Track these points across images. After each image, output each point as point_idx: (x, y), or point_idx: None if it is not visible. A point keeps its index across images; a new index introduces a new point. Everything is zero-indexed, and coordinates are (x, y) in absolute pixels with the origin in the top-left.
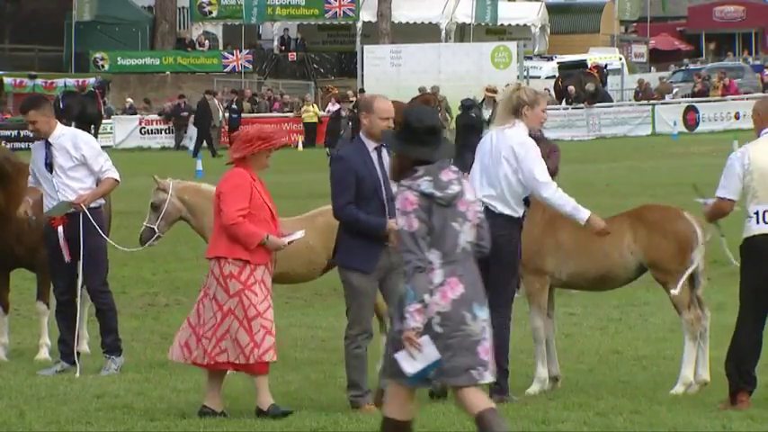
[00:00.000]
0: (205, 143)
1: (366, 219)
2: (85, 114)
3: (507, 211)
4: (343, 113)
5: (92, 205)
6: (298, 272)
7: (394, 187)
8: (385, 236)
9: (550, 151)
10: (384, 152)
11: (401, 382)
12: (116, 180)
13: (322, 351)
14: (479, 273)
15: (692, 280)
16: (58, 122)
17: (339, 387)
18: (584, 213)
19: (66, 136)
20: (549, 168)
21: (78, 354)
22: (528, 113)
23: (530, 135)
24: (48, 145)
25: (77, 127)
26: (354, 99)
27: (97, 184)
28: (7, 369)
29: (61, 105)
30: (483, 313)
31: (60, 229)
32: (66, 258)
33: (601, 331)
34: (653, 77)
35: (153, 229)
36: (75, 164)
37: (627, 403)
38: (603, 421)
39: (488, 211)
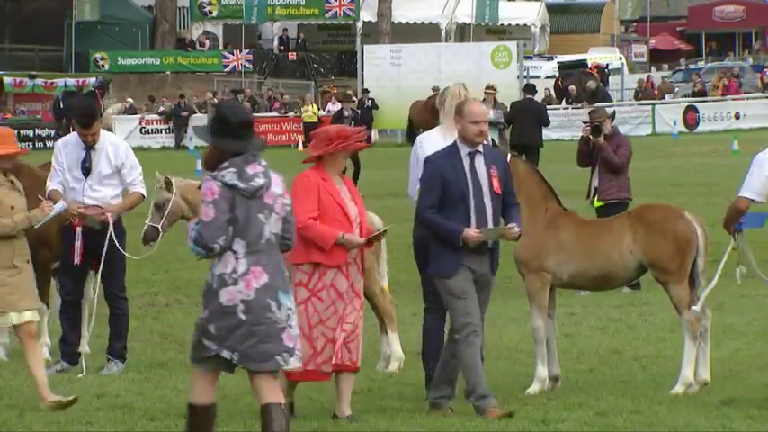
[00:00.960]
0: None
1: (442, 224)
2: None
3: None
4: (346, 113)
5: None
6: None
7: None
8: (460, 244)
9: (618, 146)
10: (479, 158)
11: (203, 366)
12: (143, 196)
13: None
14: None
15: (692, 280)
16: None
17: None
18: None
19: (110, 143)
20: (614, 163)
21: (79, 354)
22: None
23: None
24: (88, 148)
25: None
26: (356, 99)
27: (123, 196)
28: (7, 369)
29: (61, 105)
30: (288, 301)
31: (79, 230)
32: (77, 260)
33: (601, 331)
34: (653, 77)
35: (157, 228)
36: (112, 171)
37: (627, 403)
38: (603, 421)
39: None
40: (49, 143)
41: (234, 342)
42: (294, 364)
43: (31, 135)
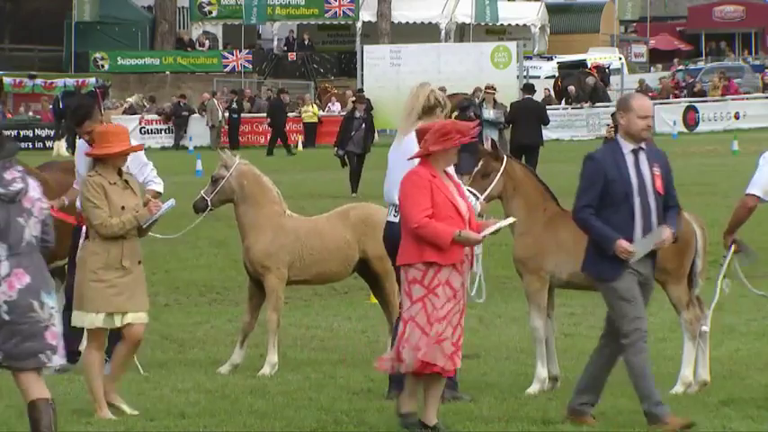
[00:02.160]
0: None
1: (598, 228)
2: None
3: None
4: (358, 114)
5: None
6: (334, 270)
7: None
8: (611, 253)
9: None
10: (642, 155)
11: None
12: (158, 193)
13: (322, 351)
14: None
15: (691, 280)
16: None
17: (339, 387)
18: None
19: None
20: None
21: (80, 353)
22: (440, 115)
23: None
24: None
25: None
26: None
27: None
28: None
29: (61, 105)
30: (51, 301)
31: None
32: None
33: (600, 331)
34: (653, 77)
35: (206, 200)
36: None
37: (627, 403)
38: (603, 421)
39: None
40: (48, 143)
41: None
42: (57, 361)
43: (31, 135)
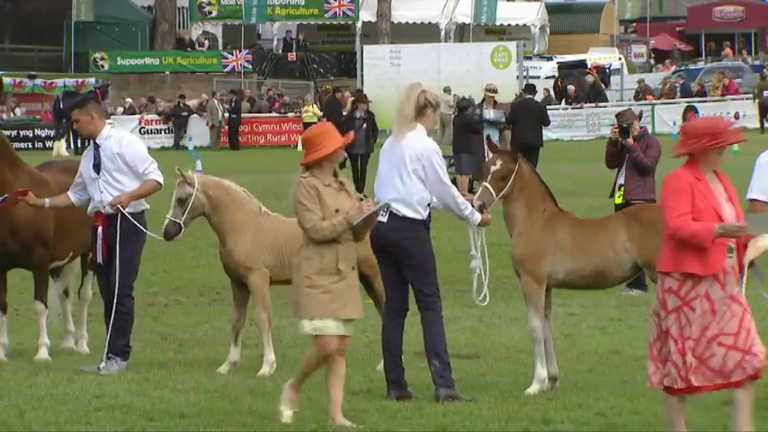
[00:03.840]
0: None
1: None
2: None
3: (411, 214)
4: (358, 114)
5: (137, 209)
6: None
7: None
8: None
9: (647, 147)
10: None
11: None
12: (158, 182)
13: None
14: (398, 279)
15: None
16: (106, 124)
17: None
18: (476, 216)
19: (113, 138)
20: (644, 164)
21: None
22: (431, 115)
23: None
24: (96, 146)
25: None
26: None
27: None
28: (7, 369)
29: (61, 105)
30: None
31: (99, 229)
32: (99, 259)
33: (600, 331)
34: (653, 78)
35: (179, 224)
36: (118, 165)
37: (627, 403)
38: (603, 421)
39: (392, 214)
40: (48, 143)
41: None
42: None
43: (31, 135)
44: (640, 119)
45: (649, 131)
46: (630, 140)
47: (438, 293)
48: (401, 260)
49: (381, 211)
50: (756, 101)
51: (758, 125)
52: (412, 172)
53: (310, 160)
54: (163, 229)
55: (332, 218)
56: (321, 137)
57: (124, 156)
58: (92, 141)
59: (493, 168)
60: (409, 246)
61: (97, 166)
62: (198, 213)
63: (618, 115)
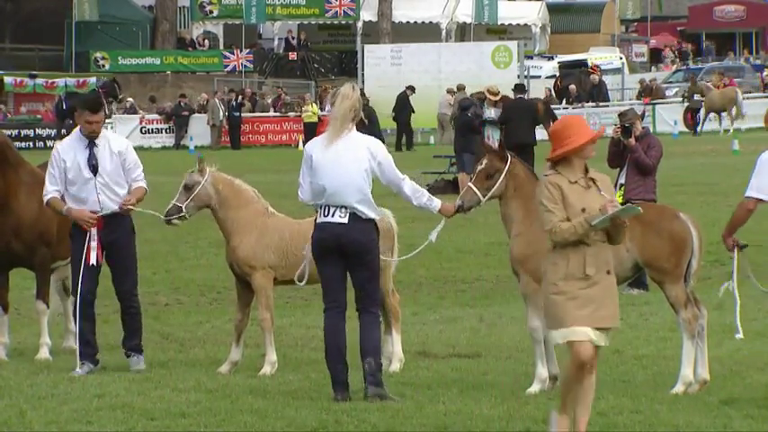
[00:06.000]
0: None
1: None
2: None
3: (373, 215)
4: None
5: (135, 210)
6: None
7: None
8: None
9: (649, 147)
10: None
11: None
12: (146, 189)
13: (322, 351)
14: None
15: (686, 279)
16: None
17: None
18: (436, 202)
19: (111, 138)
20: (646, 164)
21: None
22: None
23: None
24: (92, 146)
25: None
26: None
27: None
28: (7, 369)
29: (64, 105)
30: None
31: (93, 231)
32: (92, 261)
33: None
34: (653, 78)
35: (180, 207)
36: (117, 166)
37: (627, 402)
38: (603, 421)
39: (356, 216)
40: (49, 143)
41: None
42: None
43: (32, 135)
44: (642, 119)
45: (651, 130)
46: (632, 140)
47: (378, 297)
48: (358, 261)
49: (628, 213)
50: (686, 104)
51: (690, 129)
52: (370, 171)
53: (556, 155)
54: (165, 210)
55: (577, 218)
56: (569, 129)
57: (125, 156)
58: (82, 139)
59: (478, 167)
60: (373, 248)
61: (94, 167)
62: (203, 204)
63: (620, 115)
